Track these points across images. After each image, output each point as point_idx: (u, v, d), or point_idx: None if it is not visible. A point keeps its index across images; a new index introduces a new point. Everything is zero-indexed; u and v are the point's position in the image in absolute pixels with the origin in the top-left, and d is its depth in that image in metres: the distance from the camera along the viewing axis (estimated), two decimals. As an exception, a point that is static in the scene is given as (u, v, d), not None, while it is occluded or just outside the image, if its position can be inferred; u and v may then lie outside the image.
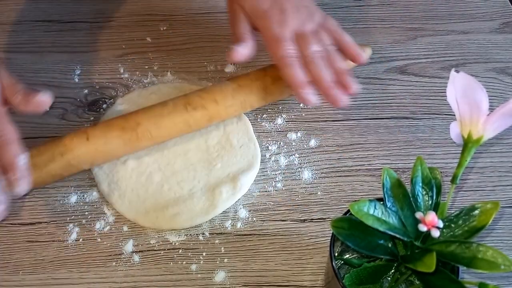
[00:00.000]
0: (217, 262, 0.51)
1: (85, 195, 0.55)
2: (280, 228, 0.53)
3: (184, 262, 0.51)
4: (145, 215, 0.53)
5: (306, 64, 0.55)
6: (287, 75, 0.54)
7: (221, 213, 0.54)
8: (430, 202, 0.39)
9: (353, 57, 0.57)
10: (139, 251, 0.52)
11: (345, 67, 0.56)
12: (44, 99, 0.50)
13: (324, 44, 0.56)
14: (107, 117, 0.61)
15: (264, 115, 0.62)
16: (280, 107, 0.63)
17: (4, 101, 0.50)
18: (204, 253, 0.52)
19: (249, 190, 0.56)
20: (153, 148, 0.58)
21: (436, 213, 0.37)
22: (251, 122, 0.61)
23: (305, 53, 0.55)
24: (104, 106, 0.63)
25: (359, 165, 0.58)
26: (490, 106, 0.36)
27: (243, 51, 0.56)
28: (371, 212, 0.37)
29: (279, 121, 0.61)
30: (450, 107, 0.37)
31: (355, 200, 0.39)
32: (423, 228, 0.36)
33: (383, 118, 0.62)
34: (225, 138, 0.59)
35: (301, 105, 0.63)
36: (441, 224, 0.36)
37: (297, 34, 0.56)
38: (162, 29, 0.70)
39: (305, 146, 0.59)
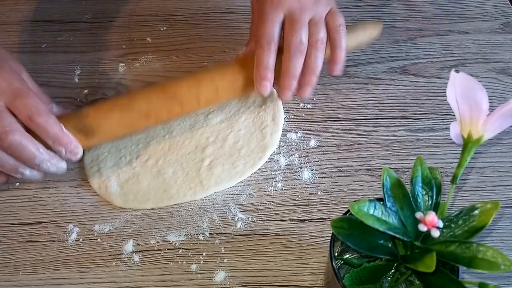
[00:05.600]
0: (217, 262, 0.51)
1: (85, 195, 0.55)
2: (280, 228, 0.53)
3: (184, 262, 0.51)
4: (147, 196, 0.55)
5: (283, 50, 0.53)
6: (258, 57, 0.52)
7: (221, 213, 0.54)
8: (430, 202, 0.39)
9: (331, 65, 0.55)
10: (139, 251, 0.52)
11: (319, 66, 0.53)
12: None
13: (314, 36, 0.53)
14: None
15: (264, 115, 0.62)
16: (280, 107, 0.63)
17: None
18: (204, 253, 0.52)
19: (249, 190, 0.56)
20: (154, 135, 0.59)
21: (436, 213, 0.37)
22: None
23: (289, 39, 0.53)
24: (104, 106, 0.63)
25: (359, 165, 0.58)
26: (490, 106, 0.36)
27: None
28: (371, 212, 0.37)
29: (279, 121, 0.61)
30: (450, 107, 0.37)
31: (355, 200, 0.39)
32: (423, 228, 0.36)
33: (383, 118, 0.62)
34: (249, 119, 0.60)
35: (301, 105, 0.63)
36: (441, 224, 0.36)
37: (291, 17, 0.53)
38: (162, 29, 0.70)
39: (305, 146, 0.59)
